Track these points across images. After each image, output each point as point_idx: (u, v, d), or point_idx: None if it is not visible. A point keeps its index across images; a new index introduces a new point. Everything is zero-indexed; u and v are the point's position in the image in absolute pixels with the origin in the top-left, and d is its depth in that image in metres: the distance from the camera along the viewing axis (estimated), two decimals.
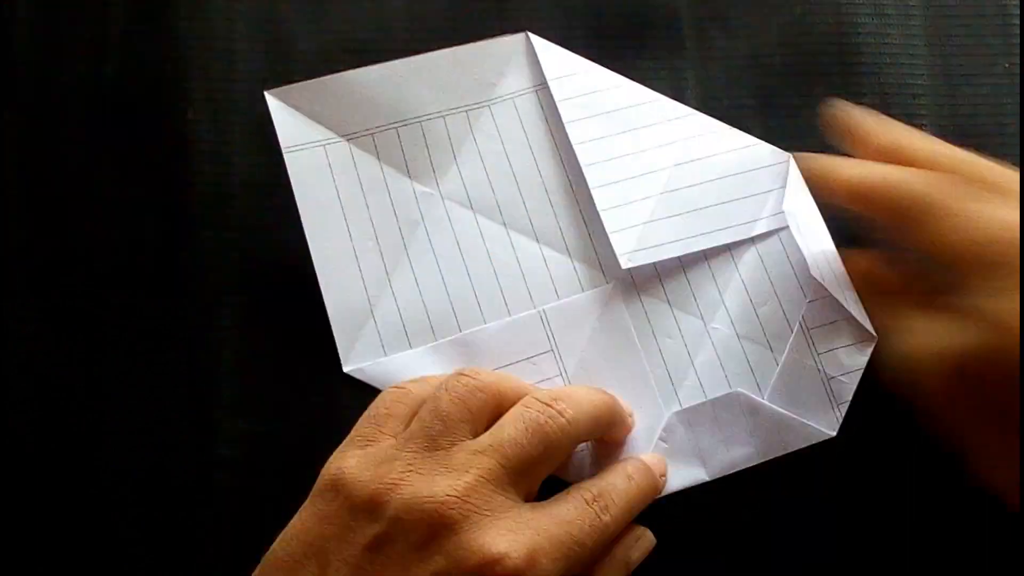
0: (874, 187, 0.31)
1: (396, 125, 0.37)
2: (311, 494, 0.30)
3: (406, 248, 0.36)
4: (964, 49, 0.38)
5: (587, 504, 0.29)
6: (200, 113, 0.38)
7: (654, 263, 0.36)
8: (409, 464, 0.28)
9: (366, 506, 0.28)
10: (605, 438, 0.34)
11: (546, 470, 0.30)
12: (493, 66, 0.38)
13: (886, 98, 0.38)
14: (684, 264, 0.36)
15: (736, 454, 0.33)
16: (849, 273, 0.33)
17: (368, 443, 0.30)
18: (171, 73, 0.38)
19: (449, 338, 0.36)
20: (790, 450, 0.33)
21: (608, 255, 0.36)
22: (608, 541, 0.30)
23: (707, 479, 0.33)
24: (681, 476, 0.34)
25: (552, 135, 0.37)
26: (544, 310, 0.36)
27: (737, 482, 0.33)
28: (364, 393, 0.35)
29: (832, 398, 0.33)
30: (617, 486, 0.31)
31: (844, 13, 0.39)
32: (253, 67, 0.38)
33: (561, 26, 0.38)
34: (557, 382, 0.35)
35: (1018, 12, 0.39)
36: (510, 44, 0.38)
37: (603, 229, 0.36)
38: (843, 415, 0.33)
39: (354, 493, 0.28)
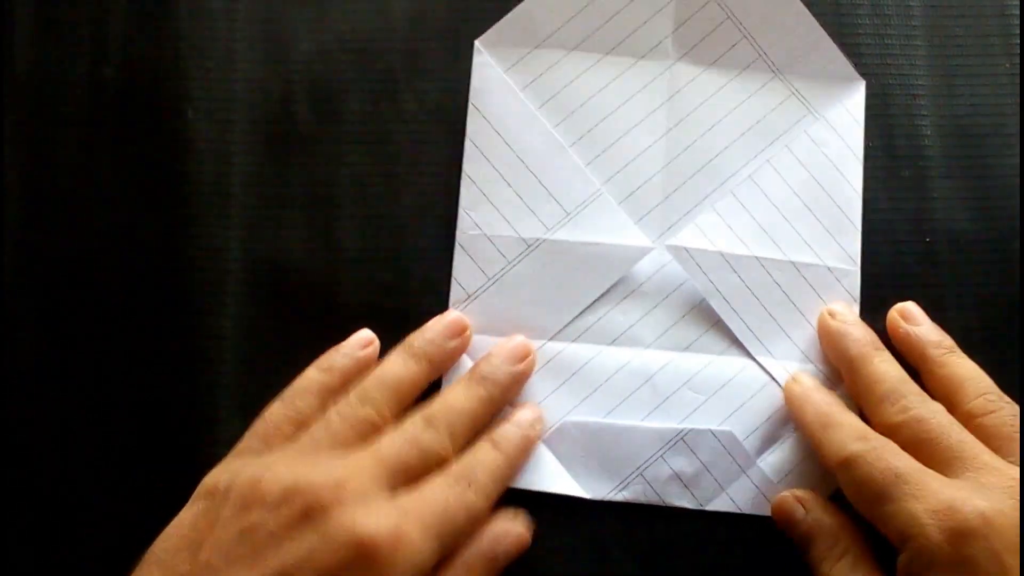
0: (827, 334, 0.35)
1: None
2: (189, 500, 0.30)
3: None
4: (964, 49, 0.39)
5: (453, 482, 0.30)
6: (200, 113, 0.38)
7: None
8: (289, 458, 0.30)
9: (241, 497, 0.28)
10: None
11: (423, 474, 0.31)
12: None
13: (886, 99, 0.38)
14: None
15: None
16: None
17: (251, 456, 0.32)
18: (171, 73, 0.38)
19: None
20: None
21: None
22: (481, 515, 0.31)
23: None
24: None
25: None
26: None
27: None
28: None
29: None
30: (483, 460, 0.32)
31: (844, 13, 0.39)
32: (253, 67, 0.38)
33: None
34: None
35: (1018, 12, 0.39)
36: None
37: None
38: None
39: (231, 488, 0.29)
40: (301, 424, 0.32)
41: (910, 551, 0.28)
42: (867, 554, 0.31)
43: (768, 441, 0.35)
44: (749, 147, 0.37)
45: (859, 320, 0.35)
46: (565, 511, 0.35)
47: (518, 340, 0.35)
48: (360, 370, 0.34)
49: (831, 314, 0.35)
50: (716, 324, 0.36)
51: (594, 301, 0.36)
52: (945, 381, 0.33)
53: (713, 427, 0.35)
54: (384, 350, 0.35)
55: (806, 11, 0.38)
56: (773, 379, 0.36)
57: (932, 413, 0.31)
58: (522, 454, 0.34)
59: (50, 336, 0.37)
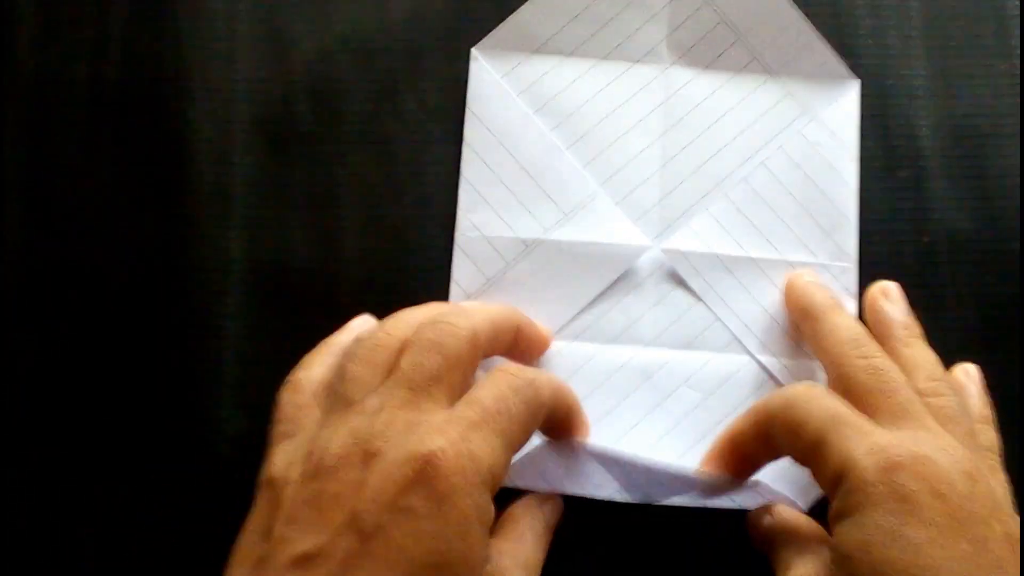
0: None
1: None
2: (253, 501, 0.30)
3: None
4: (963, 50, 0.39)
5: (502, 375, 0.29)
6: (200, 113, 0.38)
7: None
8: (331, 429, 0.28)
9: (300, 474, 0.28)
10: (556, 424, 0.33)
11: (458, 376, 0.29)
12: None
13: (884, 99, 0.38)
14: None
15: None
16: None
17: (287, 440, 0.31)
18: (171, 73, 0.38)
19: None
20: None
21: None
22: (538, 404, 0.29)
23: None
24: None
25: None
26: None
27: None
28: None
29: None
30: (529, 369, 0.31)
31: (842, 14, 0.39)
32: (253, 67, 0.38)
33: None
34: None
35: (1018, 12, 0.39)
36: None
37: None
38: None
39: (290, 468, 0.28)
40: (309, 389, 0.32)
41: (844, 489, 0.28)
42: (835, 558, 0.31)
43: None
44: (745, 148, 0.37)
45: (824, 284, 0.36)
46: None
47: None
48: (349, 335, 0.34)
49: (799, 274, 0.36)
50: (715, 322, 0.36)
51: (593, 300, 0.37)
52: (904, 360, 0.33)
53: (715, 426, 0.35)
54: None
55: (798, 13, 0.38)
56: (772, 376, 0.36)
57: (891, 366, 0.31)
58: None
59: (50, 336, 0.37)
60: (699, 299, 0.37)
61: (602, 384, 0.36)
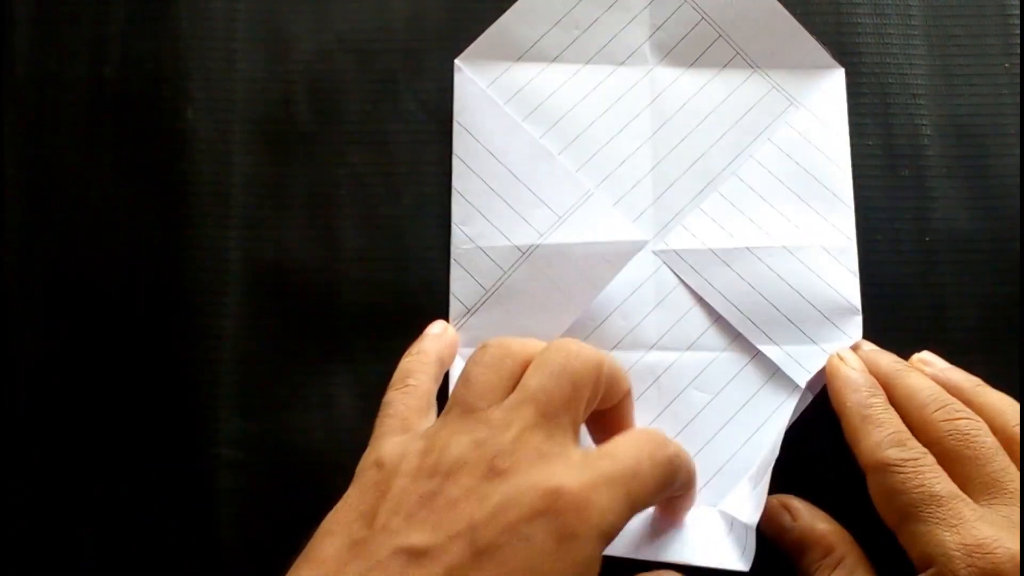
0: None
1: None
2: (353, 481, 0.29)
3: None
4: (964, 49, 0.39)
5: (645, 438, 0.28)
6: (200, 113, 0.38)
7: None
8: (451, 431, 0.28)
9: (414, 468, 0.27)
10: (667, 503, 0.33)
11: (582, 407, 0.29)
12: None
13: (886, 98, 0.38)
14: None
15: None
16: None
17: (395, 435, 0.30)
18: (171, 73, 0.38)
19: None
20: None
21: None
22: (671, 479, 0.28)
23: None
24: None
25: None
26: None
27: None
28: (364, 393, 0.35)
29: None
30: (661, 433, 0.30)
31: (844, 13, 0.39)
32: (253, 67, 0.38)
33: None
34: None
35: (1018, 12, 0.39)
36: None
37: None
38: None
39: (403, 459, 0.28)
40: (423, 398, 0.32)
41: (932, 574, 0.28)
42: (863, 562, 0.31)
43: (774, 445, 0.35)
44: (735, 143, 0.38)
45: (865, 371, 0.34)
46: None
47: None
48: (441, 345, 0.35)
49: (840, 357, 0.34)
50: (717, 320, 0.36)
51: (594, 305, 0.36)
52: (982, 411, 0.32)
53: (723, 427, 0.35)
54: (383, 352, 0.36)
55: (778, 5, 0.38)
56: (779, 368, 0.36)
57: (977, 429, 0.30)
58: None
59: (50, 336, 0.37)
60: (699, 298, 0.36)
61: None
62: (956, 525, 0.28)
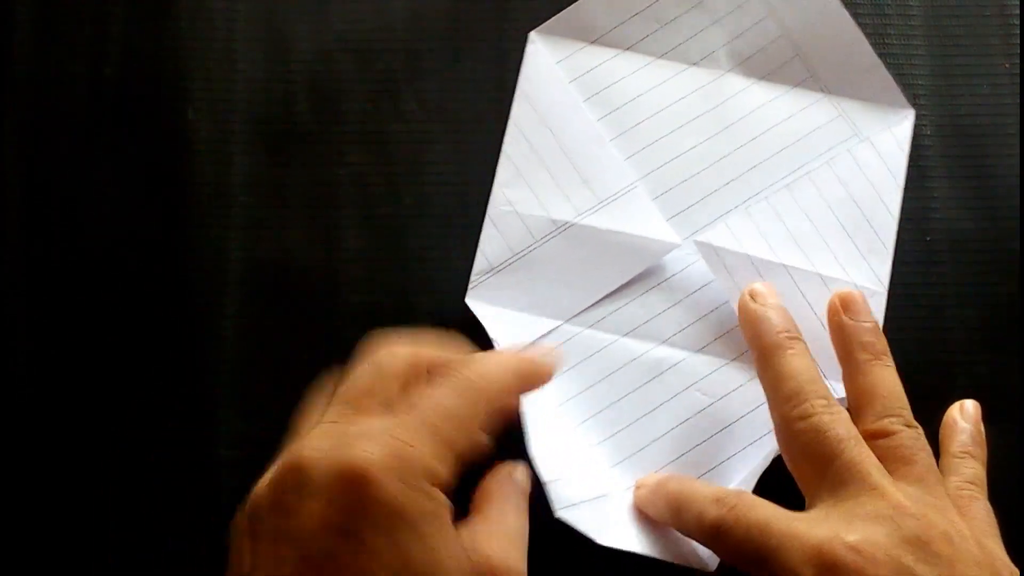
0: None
1: None
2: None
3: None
4: (964, 49, 0.39)
5: (444, 370, 0.28)
6: (200, 113, 0.38)
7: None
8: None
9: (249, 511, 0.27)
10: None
11: (393, 388, 0.28)
12: None
13: None
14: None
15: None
16: None
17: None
18: (171, 73, 0.38)
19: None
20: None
21: None
22: (484, 405, 0.28)
23: None
24: None
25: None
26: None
27: None
28: None
29: None
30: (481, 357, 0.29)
31: None
32: (253, 67, 0.38)
33: None
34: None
35: (1018, 12, 0.39)
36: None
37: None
38: None
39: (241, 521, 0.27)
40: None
41: None
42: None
43: (765, 459, 0.35)
44: (791, 161, 0.37)
45: (780, 304, 0.34)
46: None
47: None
48: None
49: (752, 295, 0.34)
50: (732, 329, 0.36)
51: (616, 291, 0.36)
52: (860, 391, 0.32)
53: (715, 434, 0.35)
54: None
55: (862, 36, 0.38)
56: None
57: (831, 424, 0.30)
58: (531, 374, 0.30)
59: (50, 336, 0.37)
60: (720, 304, 0.36)
61: (611, 374, 0.36)
62: (793, 544, 0.27)
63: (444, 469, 0.26)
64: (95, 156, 0.38)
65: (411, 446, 0.26)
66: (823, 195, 0.37)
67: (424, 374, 0.29)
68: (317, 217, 0.38)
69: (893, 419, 0.31)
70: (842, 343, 0.33)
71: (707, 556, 0.33)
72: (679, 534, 0.33)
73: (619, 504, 0.34)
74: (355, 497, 0.25)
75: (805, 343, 0.33)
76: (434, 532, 0.25)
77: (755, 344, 0.33)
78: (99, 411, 0.36)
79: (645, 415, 0.36)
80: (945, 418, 0.35)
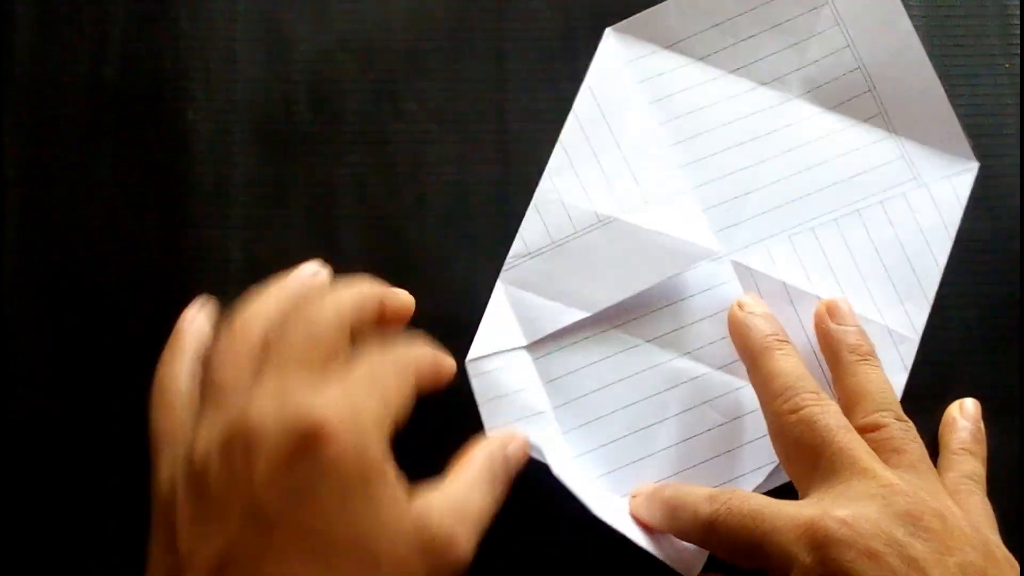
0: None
1: None
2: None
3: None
4: (964, 49, 0.39)
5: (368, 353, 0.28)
6: (200, 113, 0.38)
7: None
8: (199, 423, 0.28)
9: (186, 473, 0.27)
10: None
11: (324, 352, 0.28)
12: None
13: None
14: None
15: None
16: None
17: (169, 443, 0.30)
18: (171, 73, 0.38)
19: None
20: None
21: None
22: (411, 365, 0.29)
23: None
24: None
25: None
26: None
27: None
28: None
29: None
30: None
31: None
32: (253, 67, 0.38)
33: (561, 27, 0.38)
34: None
35: (1018, 12, 0.39)
36: None
37: None
38: None
39: (176, 489, 0.27)
40: (189, 394, 0.31)
41: None
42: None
43: (768, 480, 0.35)
44: (845, 195, 0.37)
45: (767, 312, 0.34)
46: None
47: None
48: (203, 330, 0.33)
49: (739, 305, 0.35)
50: None
51: (646, 296, 0.36)
52: (849, 390, 0.32)
53: (722, 454, 0.35)
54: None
55: (938, 82, 0.37)
56: None
57: (821, 415, 0.30)
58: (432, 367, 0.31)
59: (50, 336, 0.37)
60: (768, 309, 0.36)
61: (629, 378, 0.36)
62: (783, 525, 0.28)
63: (389, 427, 0.26)
64: (95, 156, 0.38)
65: (359, 403, 0.26)
66: (870, 234, 0.37)
67: (350, 331, 0.29)
68: (317, 217, 0.38)
69: (883, 413, 0.31)
70: (829, 347, 0.34)
71: (691, 559, 0.33)
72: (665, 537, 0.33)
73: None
74: (310, 455, 0.25)
75: (794, 346, 0.33)
76: (382, 494, 0.25)
77: (744, 349, 0.34)
78: (99, 411, 0.36)
79: (655, 423, 0.36)
80: (945, 416, 0.35)
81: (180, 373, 0.30)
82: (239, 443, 0.25)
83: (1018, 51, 0.38)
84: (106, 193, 0.38)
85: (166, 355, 0.31)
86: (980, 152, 0.38)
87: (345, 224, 0.37)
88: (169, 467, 0.28)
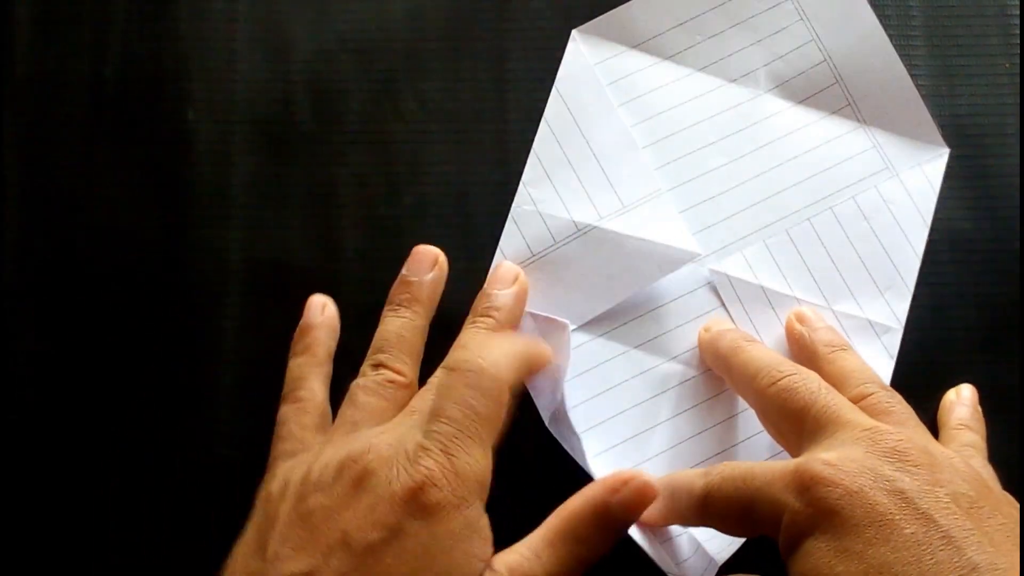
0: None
1: None
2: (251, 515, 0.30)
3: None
4: (964, 49, 0.39)
5: (451, 377, 0.30)
6: (200, 113, 0.38)
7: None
8: (334, 443, 0.30)
9: (297, 491, 0.28)
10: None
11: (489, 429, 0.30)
12: None
13: None
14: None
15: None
16: None
17: (289, 458, 0.31)
18: (171, 73, 0.38)
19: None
20: None
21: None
22: (500, 387, 0.30)
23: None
24: None
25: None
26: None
27: None
28: None
29: None
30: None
31: None
32: (253, 67, 0.38)
33: (561, 27, 0.38)
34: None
35: (1018, 12, 0.39)
36: None
37: None
38: None
39: (287, 486, 0.29)
40: (316, 410, 0.33)
41: (783, 530, 0.27)
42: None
43: None
44: (819, 189, 0.37)
45: (733, 327, 0.35)
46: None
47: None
48: (330, 334, 0.35)
49: (705, 329, 0.36)
50: None
51: (630, 303, 0.36)
52: (831, 376, 0.32)
53: (713, 457, 0.35)
54: None
55: (904, 70, 0.37)
56: None
57: (801, 380, 0.30)
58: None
59: (50, 336, 0.37)
60: (735, 326, 0.36)
61: (618, 385, 0.36)
62: (773, 477, 0.27)
63: (487, 480, 0.28)
64: (95, 156, 0.38)
65: (461, 463, 0.28)
66: (845, 230, 0.37)
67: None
68: (317, 217, 0.38)
69: (867, 384, 0.31)
70: (805, 349, 0.34)
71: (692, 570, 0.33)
72: (667, 545, 0.33)
73: None
74: (413, 503, 0.27)
75: (765, 344, 0.34)
76: (464, 551, 0.27)
77: (716, 359, 0.34)
78: (99, 411, 0.36)
79: (647, 429, 0.36)
80: (943, 400, 0.35)
81: (317, 380, 0.33)
82: (351, 473, 0.28)
83: (1018, 51, 0.38)
84: (106, 193, 0.38)
85: (302, 357, 0.34)
86: (980, 152, 0.38)
87: (345, 224, 0.37)
88: (284, 475, 0.29)
